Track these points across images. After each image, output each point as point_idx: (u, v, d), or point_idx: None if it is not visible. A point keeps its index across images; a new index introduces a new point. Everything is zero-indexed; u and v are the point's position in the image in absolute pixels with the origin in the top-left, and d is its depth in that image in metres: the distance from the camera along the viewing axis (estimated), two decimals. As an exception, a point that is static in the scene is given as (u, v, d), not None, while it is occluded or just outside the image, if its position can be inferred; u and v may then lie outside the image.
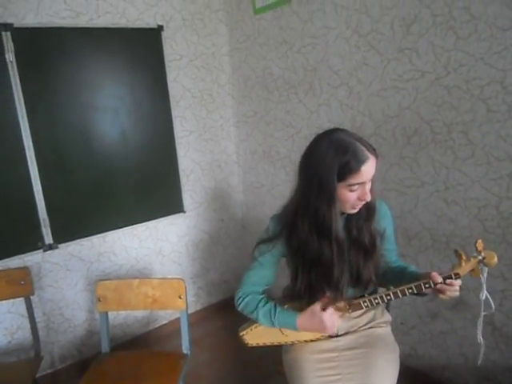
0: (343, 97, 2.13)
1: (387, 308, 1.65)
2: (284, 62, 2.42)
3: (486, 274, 1.23)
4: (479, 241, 1.22)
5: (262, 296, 1.43)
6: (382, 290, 1.39)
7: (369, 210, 1.32)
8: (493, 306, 1.28)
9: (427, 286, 1.23)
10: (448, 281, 1.21)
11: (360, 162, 1.16)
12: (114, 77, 2.33)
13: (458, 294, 1.23)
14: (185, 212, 2.76)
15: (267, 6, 2.42)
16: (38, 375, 1.91)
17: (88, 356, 2.45)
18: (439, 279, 1.20)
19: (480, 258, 1.21)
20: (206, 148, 2.83)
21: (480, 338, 1.33)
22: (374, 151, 1.20)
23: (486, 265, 1.21)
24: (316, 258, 1.30)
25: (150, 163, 2.53)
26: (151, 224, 2.63)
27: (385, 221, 1.42)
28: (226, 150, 2.95)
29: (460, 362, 1.92)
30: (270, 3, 2.39)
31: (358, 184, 1.19)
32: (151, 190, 2.56)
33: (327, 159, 1.19)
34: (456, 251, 1.25)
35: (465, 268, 1.22)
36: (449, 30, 1.65)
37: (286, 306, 1.41)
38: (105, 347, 1.87)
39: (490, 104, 1.59)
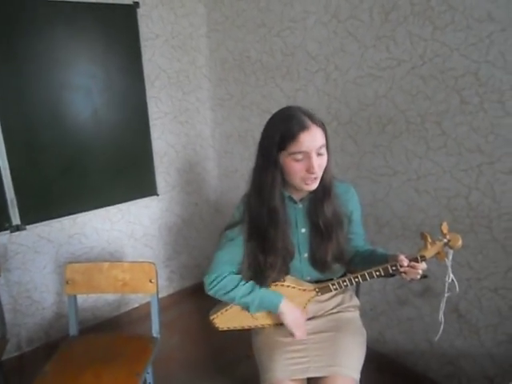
0: (320, 83, 2.12)
1: (357, 294, 1.68)
2: (262, 45, 2.39)
3: (451, 257, 1.26)
4: (444, 223, 1.24)
5: (240, 276, 1.44)
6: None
7: (324, 190, 1.33)
8: (457, 288, 1.32)
9: (394, 268, 1.26)
10: (412, 263, 1.24)
11: (299, 128, 1.19)
12: (87, 54, 2.25)
13: (418, 276, 1.26)
14: (158, 195, 2.72)
15: (246, -13, 2.38)
16: (3, 358, 1.87)
17: (56, 339, 2.42)
18: (406, 263, 1.23)
19: (445, 240, 1.23)
20: (181, 131, 2.78)
21: (441, 316, 1.38)
22: (319, 123, 1.23)
23: (451, 247, 1.24)
24: (262, 233, 1.33)
25: (123, 144, 2.48)
26: (123, 206, 2.59)
27: (351, 204, 1.44)
28: (202, 133, 2.92)
29: (425, 347, 1.98)
30: (250, -16, 2.35)
31: (299, 153, 1.21)
32: (124, 171, 2.51)
33: (270, 130, 1.27)
34: (422, 234, 1.27)
35: (430, 250, 1.24)
36: (426, 19, 1.66)
37: None
38: (73, 330, 1.84)
39: (464, 95, 1.61)
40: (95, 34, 2.26)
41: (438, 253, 1.25)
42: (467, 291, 1.76)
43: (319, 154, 1.23)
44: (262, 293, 1.39)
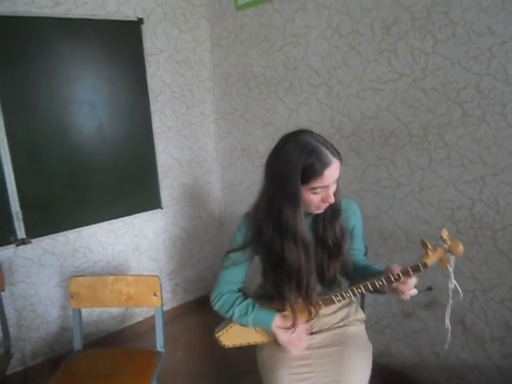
0: (323, 96, 2.14)
1: (362, 307, 1.67)
2: (265, 59, 2.41)
3: (453, 263, 1.24)
4: (444, 230, 1.23)
5: (238, 294, 1.44)
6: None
7: (334, 211, 1.33)
8: (461, 294, 1.29)
9: (380, 283, 1.25)
10: (402, 278, 1.22)
11: (323, 165, 1.17)
12: (92, 69, 2.29)
13: (415, 292, 1.24)
14: (162, 208, 2.73)
15: (249, 3, 2.41)
16: (8, 373, 1.87)
17: (60, 353, 2.41)
18: (397, 270, 1.22)
19: (446, 246, 1.22)
20: (185, 144, 2.81)
21: (448, 324, 1.35)
22: (338, 155, 1.21)
23: (452, 253, 1.22)
24: (280, 260, 1.30)
25: (127, 158, 2.50)
26: (128, 220, 2.60)
27: (354, 219, 1.44)
28: (205, 146, 2.94)
29: (431, 360, 1.96)
30: (252, 0, 2.38)
31: (321, 187, 1.20)
32: (128, 185, 2.53)
33: (291, 161, 1.19)
34: (422, 241, 1.26)
35: (432, 258, 1.22)
36: (427, 33, 1.68)
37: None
38: (77, 344, 1.84)
39: (466, 108, 1.62)
40: (100, 49, 2.30)
41: (440, 259, 1.24)
42: (473, 303, 1.75)
43: (334, 183, 1.24)
44: (254, 314, 1.38)
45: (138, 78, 2.48)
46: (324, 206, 1.26)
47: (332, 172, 1.18)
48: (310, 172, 1.17)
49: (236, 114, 2.74)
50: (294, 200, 1.21)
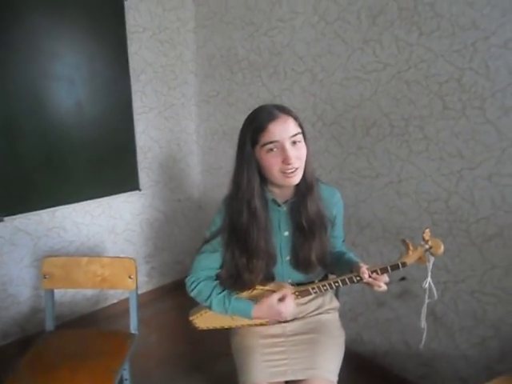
0: (306, 83, 2.12)
1: (336, 295, 1.69)
2: (250, 43, 2.38)
3: (431, 263, 1.26)
4: (427, 230, 1.24)
5: (215, 283, 1.42)
6: (331, 277, 1.42)
7: (307, 186, 1.30)
8: (435, 294, 1.32)
9: (358, 278, 1.27)
10: (374, 275, 1.24)
11: (268, 119, 1.19)
12: (72, 44, 2.21)
13: (385, 288, 1.26)
14: (140, 190, 2.69)
15: (236, -16, 2.37)
16: (-24, 352, 1.84)
17: (32, 334, 2.37)
18: (366, 275, 1.23)
19: (427, 247, 1.23)
20: (166, 126, 2.76)
21: (424, 323, 1.38)
22: (288, 112, 1.22)
23: (432, 254, 1.24)
24: (239, 233, 1.31)
25: (105, 137, 2.44)
26: (104, 201, 2.55)
27: (336, 208, 1.43)
28: (186, 129, 2.90)
29: (402, 348, 2.01)
30: (239, -19, 2.34)
31: (270, 143, 1.19)
32: (106, 165, 2.47)
33: (243, 128, 1.27)
34: (403, 241, 1.28)
35: (411, 257, 1.24)
36: (413, 24, 1.67)
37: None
38: (49, 325, 1.81)
39: (447, 101, 1.63)
40: (81, 23, 2.22)
41: (420, 258, 1.26)
42: (444, 294, 1.79)
43: (294, 144, 1.21)
44: (232, 305, 1.37)
45: (119, 55, 2.41)
46: (290, 172, 1.21)
47: (278, 126, 1.18)
48: (257, 128, 1.21)
49: (218, 98, 2.70)
50: (248, 162, 1.24)
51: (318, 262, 1.37)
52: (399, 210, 1.88)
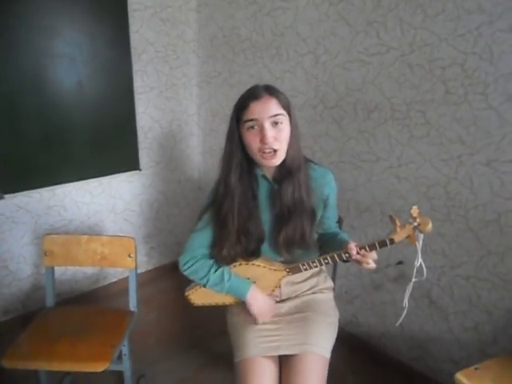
0: (309, 65, 2.11)
1: (333, 277, 1.71)
2: (252, 23, 2.35)
3: (421, 241, 1.24)
4: (414, 207, 1.22)
5: (212, 261, 1.43)
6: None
7: (287, 169, 1.31)
8: (424, 274, 1.32)
9: (347, 255, 1.28)
10: (362, 252, 1.25)
11: (250, 98, 1.24)
12: (73, 22, 2.18)
13: (373, 266, 1.27)
14: (140, 170, 2.69)
15: (239, -37, 2.33)
16: (-23, 327, 1.87)
17: (33, 310, 2.40)
18: (354, 251, 1.24)
19: (415, 224, 1.21)
20: (167, 106, 2.75)
21: (405, 302, 1.39)
22: (274, 93, 1.24)
23: (421, 231, 1.21)
24: (223, 209, 1.36)
25: (106, 116, 2.43)
26: (105, 180, 2.56)
27: (328, 188, 1.44)
28: (187, 109, 2.88)
29: (396, 330, 2.03)
30: (243, -40, 2.30)
31: (250, 121, 1.22)
32: (106, 144, 2.47)
33: (234, 106, 1.30)
34: (391, 217, 1.26)
35: (400, 234, 1.23)
36: (418, 7, 1.65)
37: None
38: (50, 301, 1.84)
39: (449, 86, 1.62)
40: (82, 1, 2.19)
41: (409, 236, 1.24)
42: (440, 278, 1.81)
43: (276, 125, 1.23)
44: (230, 282, 1.39)
45: (120, 34, 2.38)
46: (268, 152, 1.24)
47: (260, 105, 1.22)
48: (240, 105, 1.26)
49: (220, 78, 2.68)
50: (232, 138, 1.29)
51: (292, 246, 1.38)
52: (398, 194, 1.89)
